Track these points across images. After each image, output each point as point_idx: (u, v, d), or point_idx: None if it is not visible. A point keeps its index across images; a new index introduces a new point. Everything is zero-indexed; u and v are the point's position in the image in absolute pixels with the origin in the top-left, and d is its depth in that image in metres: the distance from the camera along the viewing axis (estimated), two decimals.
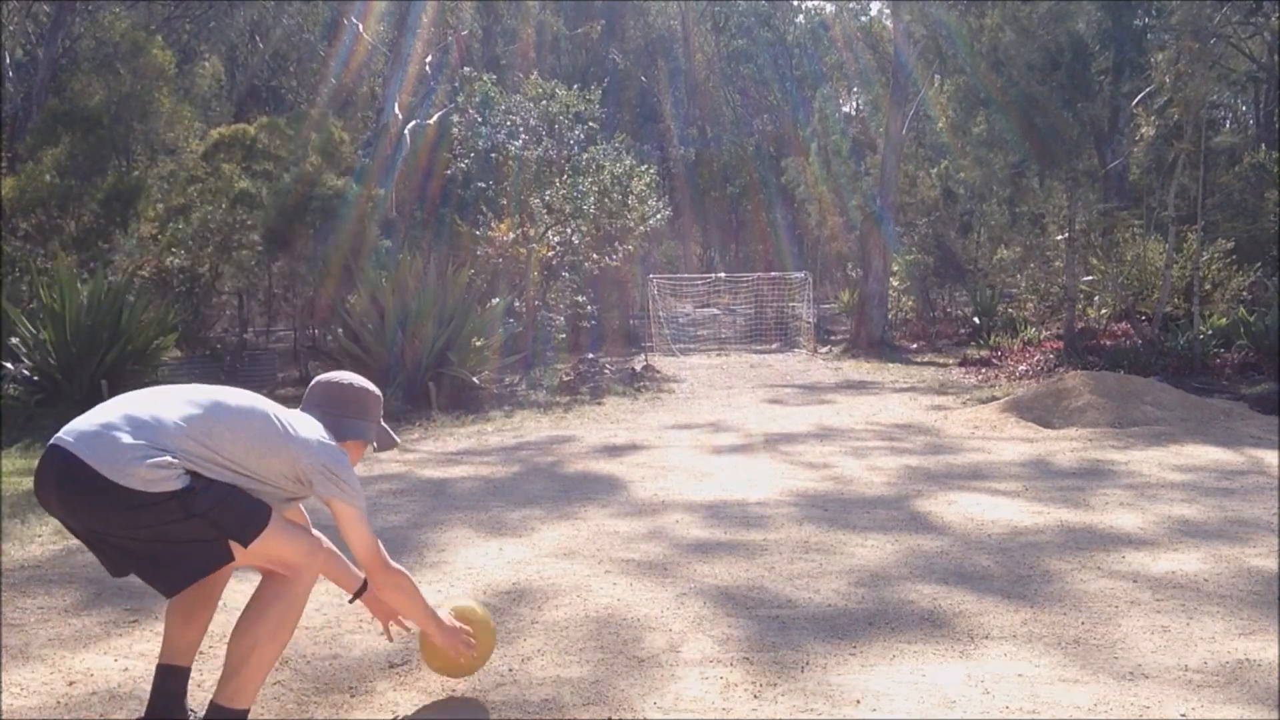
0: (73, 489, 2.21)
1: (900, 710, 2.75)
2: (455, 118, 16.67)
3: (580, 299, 15.98)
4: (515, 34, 25.54)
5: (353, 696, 2.86)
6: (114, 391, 5.71)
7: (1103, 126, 17.79)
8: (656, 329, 20.70)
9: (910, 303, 22.32)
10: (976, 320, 19.51)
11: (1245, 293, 14.92)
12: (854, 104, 33.34)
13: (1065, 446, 7.37)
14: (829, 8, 34.99)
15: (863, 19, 30.66)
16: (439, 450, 7.66)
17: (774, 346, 20.87)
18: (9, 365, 8.73)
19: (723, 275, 26.52)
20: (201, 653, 3.15)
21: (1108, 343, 14.53)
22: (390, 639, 2.72)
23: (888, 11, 24.03)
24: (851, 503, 5.51)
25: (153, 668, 2.60)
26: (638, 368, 14.53)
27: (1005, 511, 5.21)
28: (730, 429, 8.79)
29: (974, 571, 4.09)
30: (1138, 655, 3.13)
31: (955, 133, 19.66)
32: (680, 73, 33.94)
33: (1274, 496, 5.49)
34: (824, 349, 19.32)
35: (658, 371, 14.45)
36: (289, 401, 2.67)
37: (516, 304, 14.14)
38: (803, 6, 35.99)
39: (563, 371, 13.35)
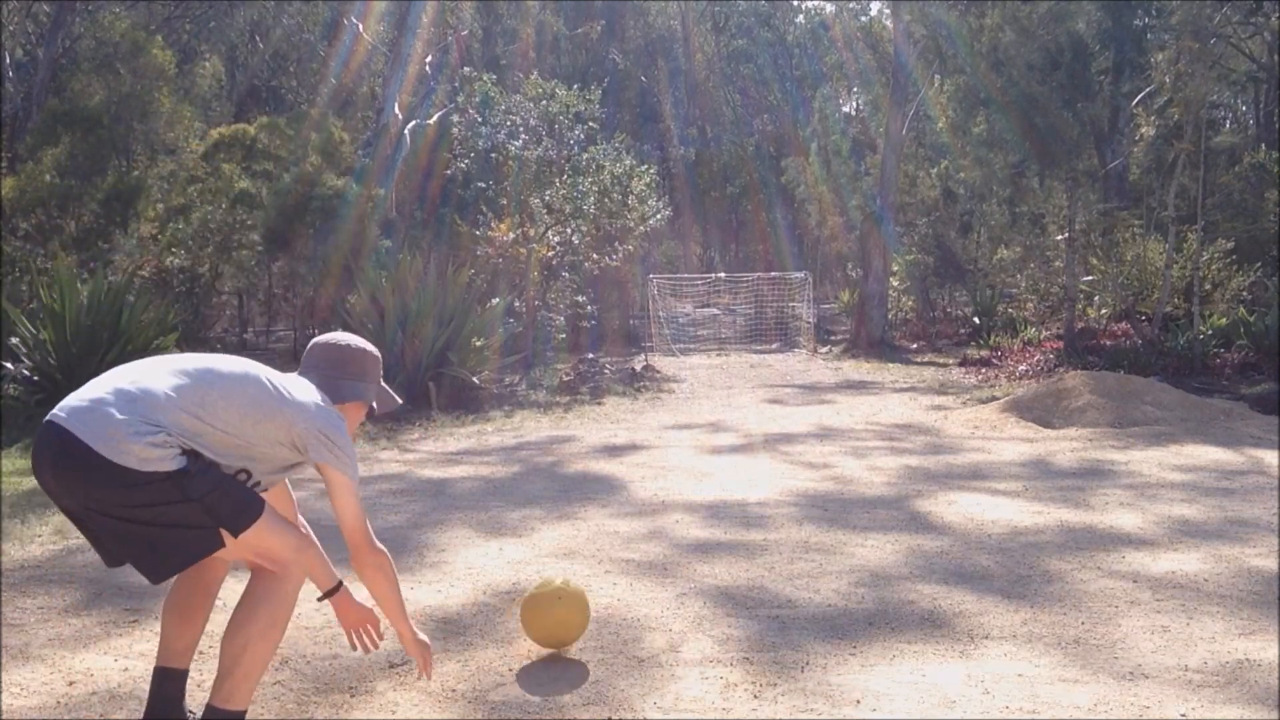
0: (66, 465, 2.19)
1: (900, 710, 2.75)
2: (455, 118, 16.68)
3: (580, 299, 15.98)
4: (515, 34, 25.55)
5: (353, 696, 2.86)
6: None
7: (1103, 126, 17.79)
8: (656, 329, 20.70)
9: (910, 303, 22.32)
10: (976, 320, 19.51)
11: (1245, 293, 14.93)
12: (854, 104, 33.35)
13: (1065, 446, 7.37)
14: (829, 8, 35.02)
15: (863, 19, 30.67)
16: (439, 450, 7.66)
17: (774, 346, 20.87)
18: (9, 365, 8.73)
19: (723, 275, 26.53)
20: (201, 652, 3.15)
21: (1108, 343, 14.53)
22: (354, 648, 2.53)
23: (888, 11, 24.04)
24: (851, 503, 5.51)
25: (153, 668, 2.59)
26: (638, 368, 14.53)
27: (1005, 511, 5.21)
28: (730, 429, 8.79)
29: (974, 571, 4.09)
30: (1138, 655, 3.13)
31: (955, 133, 19.66)
32: (680, 73, 33.94)
33: (1274, 496, 5.49)
34: (824, 349, 19.32)
35: (658, 371, 14.45)
36: None
37: (516, 304, 14.14)
38: (803, 6, 36.03)
39: (563, 371, 13.35)
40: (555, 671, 3.04)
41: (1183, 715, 2.69)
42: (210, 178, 15.27)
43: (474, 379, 10.56)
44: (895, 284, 21.27)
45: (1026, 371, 13.30)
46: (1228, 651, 3.15)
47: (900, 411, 9.86)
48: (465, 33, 22.12)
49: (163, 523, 2.23)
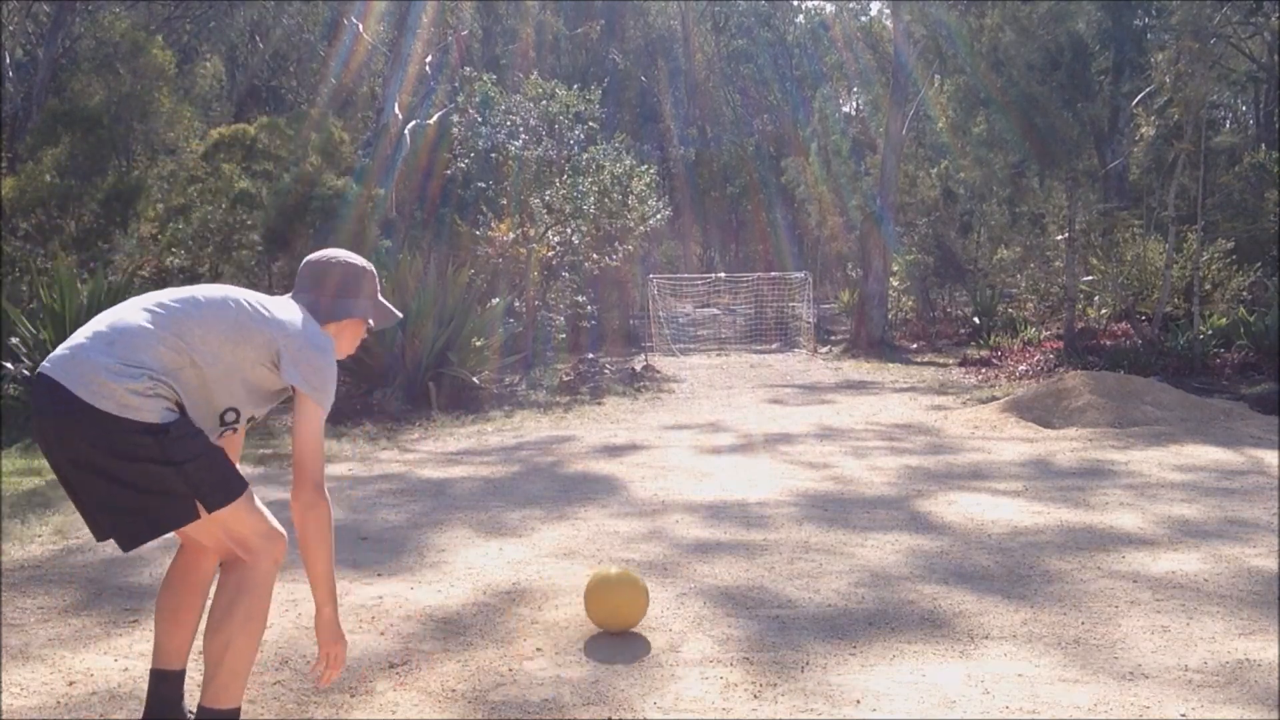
0: (51, 414, 2.17)
1: (900, 710, 2.75)
2: (455, 118, 16.68)
3: (580, 299, 15.98)
4: (515, 34, 25.55)
5: (353, 696, 2.86)
6: None
7: (1103, 126, 17.79)
8: (656, 329, 20.69)
9: (910, 303, 22.32)
10: (976, 320, 19.51)
11: (1245, 293, 14.93)
12: (854, 104, 33.34)
13: (1065, 446, 7.37)
14: (829, 8, 35.03)
15: (863, 19, 30.67)
16: (439, 450, 7.66)
17: (774, 346, 20.86)
18: (9, 365, 8.72)
19: (723, 275, 26.52)
20: (202, 652, 3.15)
21: (1108, 343, 14.53)
22: (317, 674, 2.39)
23: (888, 11, 24.04)
24: (851, 503, 5.51)
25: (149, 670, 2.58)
26: (638, 368, 14.53)
27: (1005, 511, 5.21)
28: (730, 429, 8.79)
29: (974, 571, 4.09)
30: (1138, 655, 3.13)
31: (955, 133, 19.66)
32: (680, 73, 33.94)
33: (1274, 496, 5.49)
34: (824, 349, 19.32)
35: (658, 371, 14.45)
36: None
37: (516, 304, 14.14)
38: (803, 6, 36.03)
39: (563, 371, 13.34)
40: (555, 671, 3.04)
41: (1183, 715, 2.69)
42: (210, 178, 15.27)
43: (474, 379, 10.56)
44: (895, 284, 21.27)
45: (1026, 371, 13.30)
46: (1228, 651, 3.15)
47: (900, 411, 9.85)
48: (465, 33, 22.12)
49: (139, 485, 2.18)
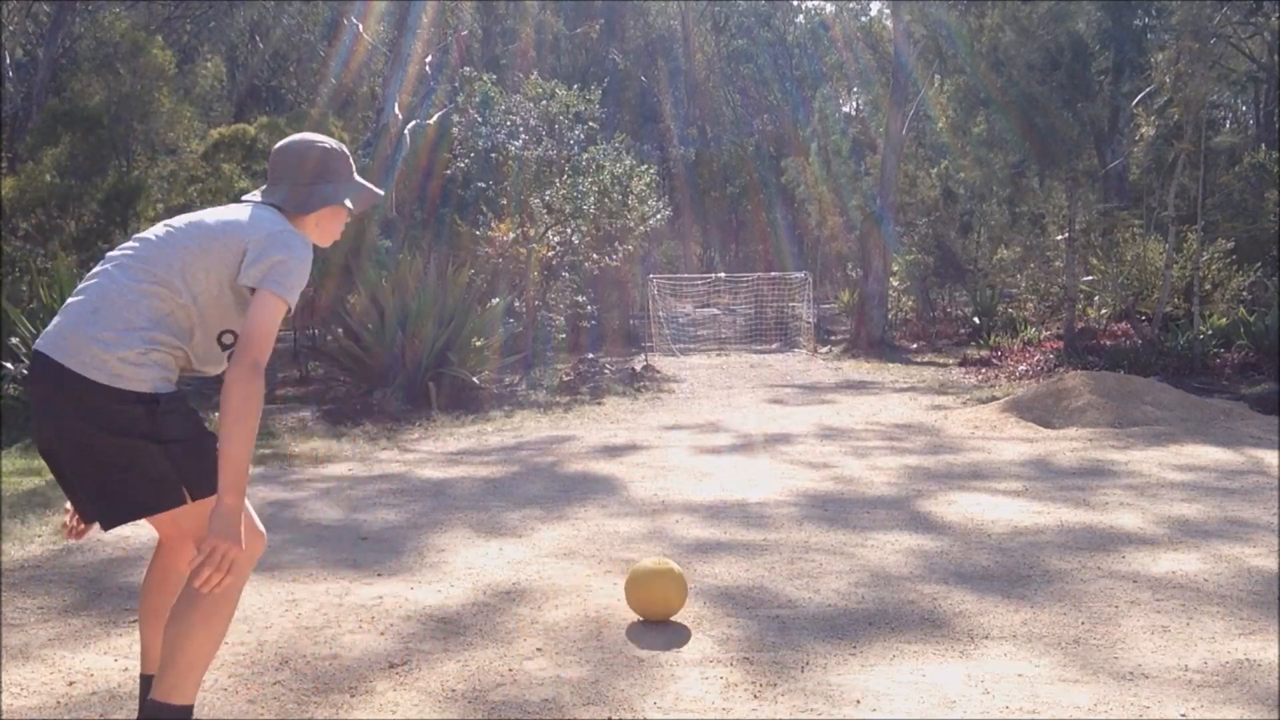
0: (46, 389, 2.15)
1: (900, 710, 2.75)
2: (455, 118, 16.68)
3: (580, 299, 15.98)
4: (515, 34, 25.55)
5: (353, 696, 2.86)
6: None
7: (1103, 126, 17.79)
8: (656, 329, 20.69)
9: (910, 303, 22.32)
10: (976, 320, 19.51)
11: (1245, 293, 14.92)
12: (854, 104, 33.35)
13: (1065, 446, 7.37)
14: (829, 8, 35.03)
15: (863, 19, 30.68)
16: (439, 450, 7.66)
17: (774, 346, 20.86)
18: (9, 365, 8.73)
19: (723, 275, 26.52)
20: None
21: (1108, 343, 14.53)
22: (199, 570, 2.06)
23: (888, 11, 24.03)
24: (852, 503, 5.51)
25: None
26: (638, 368, 14.53)
27: (1005, 511, 5.21)
28: (730, 429, 8.79)
29: (974, 571, 4.09)
30: (1138, 655, 3.13)
31: (955, 133, 19.67)
32: (680, 73, 33.94)
33: (1274, 496, 5.49)
34: (824, 349, 19.32)
35: (658, 371, 14.45)
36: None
37: (516, 304, 14.14)
38: (803, 6, 36.03)
39: (563, 371, 13.35)
40: (555, 671, 3.04)
41: (1183, 715, 2.69)
42: (210, 178, 15.25)
43: (474, 379, 10.56)
44: (895, 284, 21.27)
45: (1026, 371, 13.30)
46: (1228, 651, 3.15)
47: (900, 411, 9.86)
48: (465, 33, 22.12)
49: (125, 462, 2.16)
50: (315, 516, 5.27)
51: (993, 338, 17.21)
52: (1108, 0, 16.19)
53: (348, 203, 2.45)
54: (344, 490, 5.99)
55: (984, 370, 14.05)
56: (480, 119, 15.85)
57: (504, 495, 5.81)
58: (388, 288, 10.74)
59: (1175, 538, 4.63)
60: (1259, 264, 15.22)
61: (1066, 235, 15.00)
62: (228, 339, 2.31)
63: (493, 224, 14.94)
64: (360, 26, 19.23)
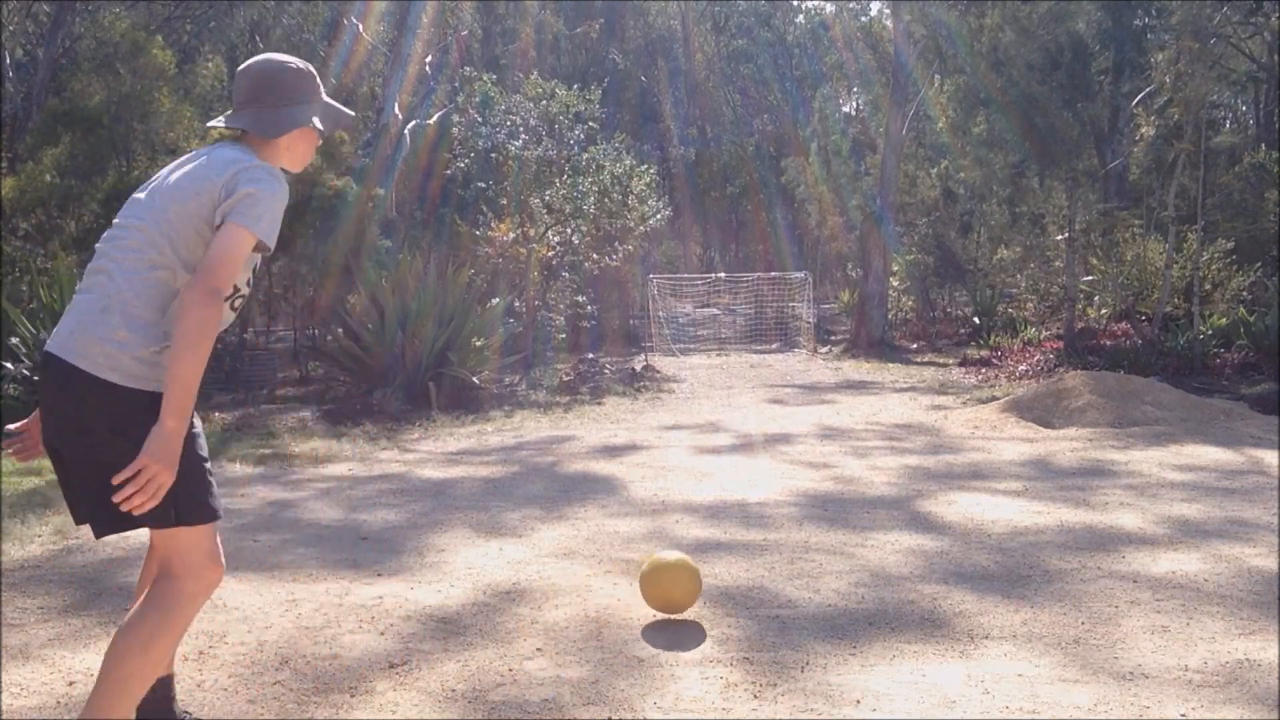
0: (54, 388, 2.14)
1: (900, 710, 2.75)
2: (455, 118, 16.68)
3: (580, 299, 15.99)
4: (515, 34, 25.56)
5: (353, 696, 2.86)
6: None
7: (1103, 126, 17.80)
8: (656, 329, 20.69)
9: (910, 303, 22.33)
10: (976, 320, 19.52)
11: (1245, 293, 14.93)
12: (854, 104, 33.36)
13: (1065, 446, 7.37)
14: (829, 8, 35.05)
15: (863, 19, 30.69)
16: (439, 450, 7.66)
17: (774, 346, 20.87)
18: (9, 365, 8.73)
19: (723, 275, 26.53)
20: (202, 652, 3.16)
21: (1108, 343, 14.53)
22: (122, 487, 2.01)
23: (888, 11, 24.04)
24: (852, 503, 5.51)
25: None
26: (638, 368, 14.53)
27: (1005, 511, 5.21)
28: (730, 429, 8.79)
29: (974, 571, 4.09)
30: (1138, 655, 3.13)
31: (955, 133, 19.68)
32: (680, 73, 33.94)
33: (1274, 496, 5.49)
34: (824, 349, 19.32)
35: (658, 371, 14.45)
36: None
37: (516, 304, 14.14)
38: (803, 6, 36.04)
39: (563, 371, 13.35)
40: (555, 671, 3.04)
41: (1183, 715, 2.69)
42: None
43: (474, 379, 10.56)
44: (895, 284, 21.28)
45: (1026, 371, 13.30)
46: (1228, 651, 3.15)
47: (900, 411, 9.86)
48: (465, 33, 22.12)
49: (118, 469, 2.10)
50: (315, 516, 5.27)
51: (993, 338, 17.21)
52: (1108, 0, 16.19)
53: (317, 123, 2.37)
54: (344, 490, 5.99)
55: (984, 370, 14.05)
56: (480, 119, 15.86)
57: (504, 495, 5.81)
58: (388, 288, 10.75)
59: (1175, 538, 4.63)
60: (1259, 264, 15.22)
61: (1066, 235, 15.00)
62: (243, 291, 2.29)
63: (493, 224, 14.94)
64: (360, 26, 19.23)
